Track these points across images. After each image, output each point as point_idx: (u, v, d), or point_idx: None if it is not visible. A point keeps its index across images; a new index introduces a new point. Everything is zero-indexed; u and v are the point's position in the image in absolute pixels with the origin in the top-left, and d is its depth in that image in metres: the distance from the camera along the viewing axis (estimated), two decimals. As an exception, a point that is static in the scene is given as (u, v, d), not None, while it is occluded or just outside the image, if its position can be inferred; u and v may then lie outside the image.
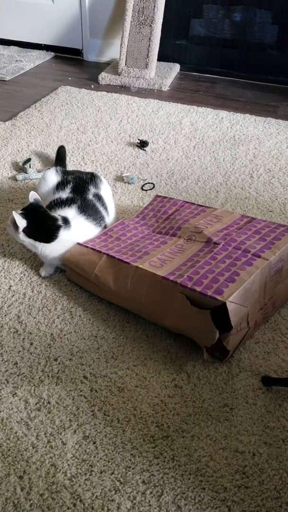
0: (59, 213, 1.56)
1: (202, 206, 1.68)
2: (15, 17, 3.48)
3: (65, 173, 1.73)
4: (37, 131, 2.45)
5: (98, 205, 1.64)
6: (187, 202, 1.71)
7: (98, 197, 1.66)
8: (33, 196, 1.53)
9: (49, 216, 1.51)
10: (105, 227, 1.65)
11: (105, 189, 1.73)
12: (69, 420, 1.15)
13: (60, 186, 1.66)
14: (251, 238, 1.44)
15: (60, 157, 2.11)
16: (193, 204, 1.70)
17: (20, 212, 1.49)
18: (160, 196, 1.78)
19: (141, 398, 1.20)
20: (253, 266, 1.31)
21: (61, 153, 2.13)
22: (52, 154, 2.22)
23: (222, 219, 1.57)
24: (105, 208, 1.68)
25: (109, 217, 1.69)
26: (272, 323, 1.42)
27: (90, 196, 1.63)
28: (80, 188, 1.64)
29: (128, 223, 1.66)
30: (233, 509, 1.00)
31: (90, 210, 1.60)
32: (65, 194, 1.62)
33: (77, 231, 1.54)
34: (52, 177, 1.70)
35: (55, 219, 1.51)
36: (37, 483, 1.03)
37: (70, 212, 1.57)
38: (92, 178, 1.70)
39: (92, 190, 1.66)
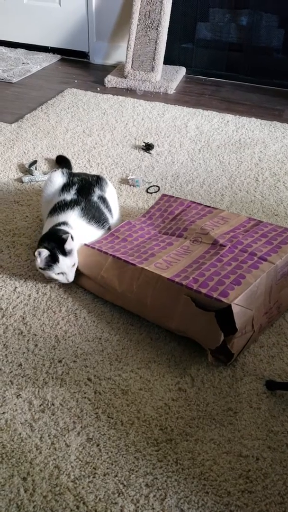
0: (62, 215, 1.56)
1: (209, 207, 1.67)
2: (22, 20, 3.50)
3: (71, 175, 1.73)
4: (43, 133, 2.46)
5: (102, 207, 1.64)
6: (194, 203, 1.71)
7: (103, 200, 1.67)
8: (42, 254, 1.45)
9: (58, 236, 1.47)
10: (109, 229, 1.65)
11: (111, 192, 1.73)
12: (73, 422, 1.15)
13: (65, 188, 1.66)
14: (258, 241, 1.44)
15: (63, 162, 2.12)
16: (200, 204, 1.70)
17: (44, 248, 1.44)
18: (166, 195, 1.77)
19: (145, 401, 1.20)
20: (259, 269, 1.31)
21: (62, 160, 2.15)
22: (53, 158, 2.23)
23: (229, 221, 1.57)
24: (110, 211, 1.68)
25: (113, 219, 1.69)
26: (277, 327, 1.42)
27: (95, 198, 1.64)
28: (85, 190, 1.65)
29: (134, 223, 1.66)
30: (237, 513, 0.99)
31: (94, 212, 1.60)
32: (69, 196, 1.62)
33: (79, 234, 1.53)
34: (58, 179, 1.70)
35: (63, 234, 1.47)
36: (40, 485, 1.03)
37: (72, 215, 1.56)
38: (97, 180, 1.71)
39: (97, 192, 1.66)
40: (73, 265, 1.47)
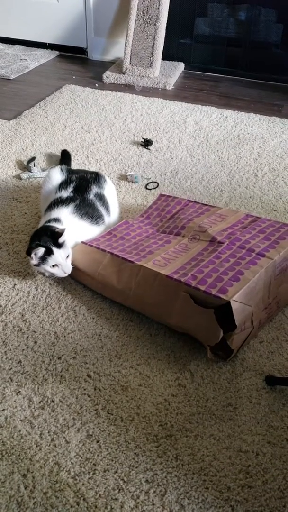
0: (55, 212, 1.56)
1: (206, 205, 1.67)
2: (20, 16, 3.48)
3: (70, 172, 1.73)
4: (41, 130, 2.45)
5: (98, 204, 1.64)
6: (191, 201, 1.71)
7: (100, 197, 1.66)
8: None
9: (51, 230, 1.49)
10: (104, 224, 1.64)
11: (109, 189, 1.73)
12: (72, 418, 1.15)
13: (63, 185, 1.66)
14: (256, 237, 1.43)
15: (65, 158, 2.12)
16: (198, 203, 1.70)
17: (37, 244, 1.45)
18: (164, 195, 1.78)
19: (144, 397, 1.20)
20: (257, 265, 1.31)
21: (65, 155, 2.14)
22: (57, 153, 2.22)
23: (227, 218, 1.57)
24: (107, 208, 1.67)
25: (111, 217, 1.69)
26: (276, 323, 1.42)
27: (91, 196, 1.63)
28: (82, 187, 1.65)
29: (132, 223, 1.66)
30: (237, 508, 1.00)
31: (88, 209, 1.60)
32: (66, 193, 1.63)
33: (70, 230, 1.53)
34: (57, 175, 1.70)
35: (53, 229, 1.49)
36: (40, 482, 1.03)
37: (65, 211, 1.56)
38: (96, 177, 1.70)
39: (94, 189, 1.66)
40: (67, 257, 1.47)
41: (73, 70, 3.26)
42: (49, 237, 1.44)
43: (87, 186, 1.65)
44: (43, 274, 1.52)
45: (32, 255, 1.42)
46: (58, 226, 1.50)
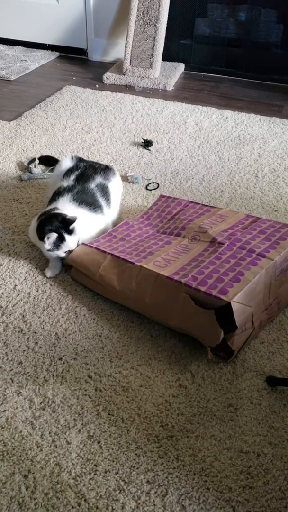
0: (55, 203, 1.58)
1: (206, 206, 1.67)
2: (20, 17, 3.49)
3: (80, 160, 1.75)
4: (41, 131, 2.45)
5: (98, 195, 1.65)
6: (192, 202, 1.71)
7: (103, 188, 1.67)
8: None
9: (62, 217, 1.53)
10: (104, 219, 1.65)
11: (115, 183, 1.74)
12: (73, 419, 1.15)
13: (67, 173, 1.68)
14: (256, 238, 1.43)
15: (50, 160, 2.15)
16: (198, 204, 1.70)
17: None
18: (164, 196, 1.78)
19: (145, 398, 1.20)
20: (258, 266, 1.31)
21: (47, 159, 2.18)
22: (57, 154, 2.22)
23: (227, 219, 1.57)
24: (107, 200, 1.68)
25: (110, 209, 1.69)
26: (277, 323, 1.42)
27: (92, 185, 1.64)
28: (84, 176, 1.66)
29: (132, 223, 1.66)
30: (238, 509, 1.00)
31: (85, 197, 1.61)
32: (67, 182, 1.65)
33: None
34: (67, 163, 1.73)
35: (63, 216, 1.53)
36: (41, 482, 1.03)
37: (61, 201, 1.58)
38: (105, 169, 1.72)
39: (97, 179, 1.66)
40: (77, 242, 1.53)
41: (74, 71, 3.26)
42: (60, 223, 1.48)
43: (91, 175, 1.67)
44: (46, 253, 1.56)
45: (45, 239, 1.46)
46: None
